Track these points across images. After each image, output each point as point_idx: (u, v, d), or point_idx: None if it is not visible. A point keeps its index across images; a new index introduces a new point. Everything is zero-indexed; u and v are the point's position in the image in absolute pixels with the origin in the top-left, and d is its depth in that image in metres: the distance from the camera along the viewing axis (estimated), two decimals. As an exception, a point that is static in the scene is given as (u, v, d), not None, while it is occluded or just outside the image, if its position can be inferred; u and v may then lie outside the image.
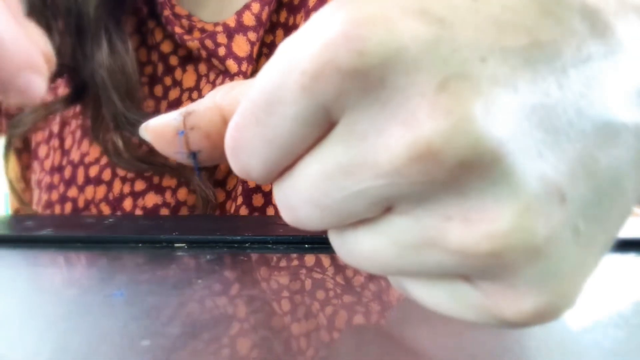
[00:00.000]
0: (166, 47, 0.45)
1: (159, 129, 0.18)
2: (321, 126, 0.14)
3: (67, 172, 0.45)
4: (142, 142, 0.39)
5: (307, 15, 0.40)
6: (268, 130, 0.15)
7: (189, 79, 0.44)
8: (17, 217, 0.40)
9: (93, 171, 0.44)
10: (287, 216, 0.16)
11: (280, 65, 0.14)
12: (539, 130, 0.14)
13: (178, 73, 0.45)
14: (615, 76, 0.15)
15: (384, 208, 0.15)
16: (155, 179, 0.42)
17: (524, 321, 0.15)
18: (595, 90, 0.15)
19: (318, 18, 0.14)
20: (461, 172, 0.13)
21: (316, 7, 0.39)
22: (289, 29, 0.43)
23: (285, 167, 0.16)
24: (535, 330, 0.17)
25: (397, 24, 0.13)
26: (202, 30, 0.43)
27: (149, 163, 0.41)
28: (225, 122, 0.17)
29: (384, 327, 0.19)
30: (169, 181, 0.42)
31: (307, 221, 0.16)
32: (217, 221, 0.35)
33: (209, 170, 0.42)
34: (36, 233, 0.31)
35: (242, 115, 0.15)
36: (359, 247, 0.16)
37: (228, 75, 0.42)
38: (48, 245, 0.29)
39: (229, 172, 0.42)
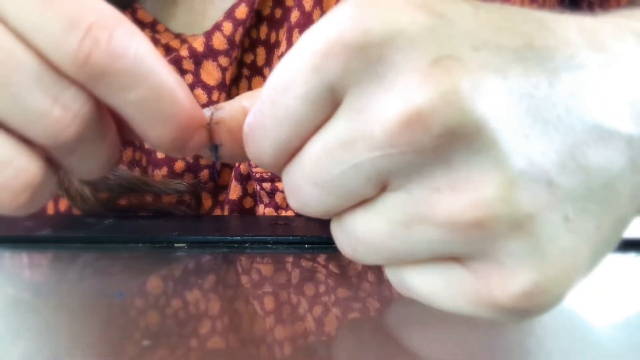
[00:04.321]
0: None
1: None
2: (327, 106, 0.16)
3: None
4: (107, 189, 0.35)
5: (290, 31, 0.35)
6: (280, 111, 0.16)
7: None
8: (17, 217, 0.40)
9: (63, 205, 0.39)
10: (291, 200, 0.18)
11: (295, 52, 0.16)
12: (527, 117, 0.15)
13: None
14: (607, 86, 0.16)
15: (379, 186, 0.16)
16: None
17: (514, 303, 0.15)
18: (587, 95, 0.15)
19: (331, 9, 0.16)
20: (447, 140, 0.14)
21: (299, 22, 0.35)
22: (270, 46, 0.37)
23: (293, 151, 0.17)
24: (535, 330, 0.17)
25: (399, 10, 0.15)
26: (167, 48, 0.37)
27: (116, 209, 0.36)
28: None
29: (384, 327, 0.19)
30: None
31: (310, 202, 0.17)
32: (217, 221, 0.35)
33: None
34: (36, 233, 0.31)
35: (259, 101, 0.17)
36: (355, 230, 0.17)
37: None
38: (48, 245, 0.29)
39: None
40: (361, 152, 0.15)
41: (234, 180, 0.37)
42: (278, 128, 0.16)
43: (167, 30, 0.38)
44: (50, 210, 0.40)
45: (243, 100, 0.19)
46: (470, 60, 0.15)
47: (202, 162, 0.37)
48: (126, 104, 0.17)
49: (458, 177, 0.15)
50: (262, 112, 0.17)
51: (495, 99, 0.14)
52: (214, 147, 0.19)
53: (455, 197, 0.14)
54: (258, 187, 0.36)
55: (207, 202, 0.38)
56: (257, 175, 0.36)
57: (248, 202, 0.38)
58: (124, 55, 0.16)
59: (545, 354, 0.16)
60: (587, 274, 0.16)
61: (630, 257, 0.26)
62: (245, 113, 0.19)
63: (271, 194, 0.36)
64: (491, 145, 0.14)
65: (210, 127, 0.19)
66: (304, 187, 0.17)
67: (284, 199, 0.36)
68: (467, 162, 0.14)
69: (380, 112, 0.15)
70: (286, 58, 0.16)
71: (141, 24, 0.38)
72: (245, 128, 0.18)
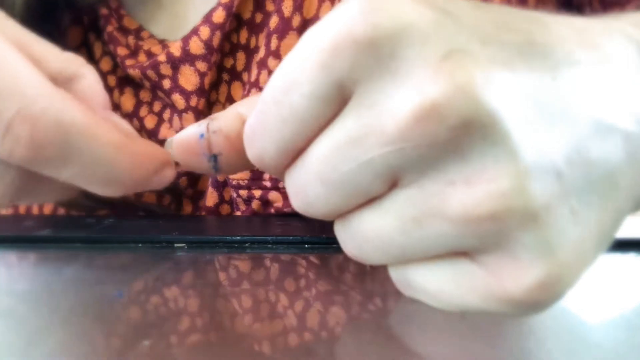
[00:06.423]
0: (105, 65, 0.39)
1: (184, 137, 0.20)
2: (335, 103, 0.16)
3: (22, 207, 0.40)
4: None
5: (268, 37, 0.34)
6: (285, 109, 0.16)
7: (127, 102, 0.38)
8: (17, 217, 0.40)
9: (47, 208, 0.40)
10: (295, 201, 0.17)
11: (300, 49, 0.16)
12: (535, 110, 0.15)
13: (116, 95, 0.38)
14: (604, 82, 0.16)
15: (388, 183, 0.15)
16: None
17: (527, 296, 0.15)
18: (586, 90, 0.16)
19: (338, 6, 0.15)
20: (462, 131, 0.14)
21: (278, 28, 0.34)
22: (250, 51, 0.36)
23: (297, 152, 0.17)
24: (535, 330, 0.17)
25: (408, 5, 0.15)
26: (148, 54, 0.37)
27: (104, 203, 0.36)
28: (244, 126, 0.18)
29: (384, 327, 0.19)
30: None
31: (315, 202, 0.17)
32: (217, 221, 0.35)
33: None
34: (36, 233, 0.31)
35: (260, 102, 0.17)
36: (362, 229, 0.16)
37: (176, 110, 0.36)
38: (48, 245, 0.29)
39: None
40: (372, 148, 0.15)
41: (210, 187, 0.37)
42: (282, 127, 0.16)
43: (151, 36, 0.38)
44: (49, 210, 0.40)
45: (239, 107, 0.19)
46: (480, 54, 0.15)
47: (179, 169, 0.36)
48: (62, 178, 0.17)
49: (473, 169, 0.14)
50: (265, 113, 0.16)
51: (506, 92, 0.14)
52: (213, 157, 0.19)
53: (470, 189, 0.14)
54: (235, 194, 0.36)
55: (188, 208, 0.38)
56: (234, 182, 0.35)
57: (225, 209, 0.37)
58: (48, 145, 0.17)
59: (545, 354, 0.16)
60: (590, 266, 0.16)
61: (630, 257, 0.26)
62: (241, 119, 0.19)
63: (248, 201, 0.36)
64: (505, 136, 0.14)
65: (208, 137, 0.19)
66: (310, 187, 0.16)
67: (260, 206, 0.35)
68: (482, 154, 0.14)
69: (393, 107, 0.14)
70: (290, 57, 0.16)
71: (126, 31, 0.38)
72: (247, 130, 0.18)
